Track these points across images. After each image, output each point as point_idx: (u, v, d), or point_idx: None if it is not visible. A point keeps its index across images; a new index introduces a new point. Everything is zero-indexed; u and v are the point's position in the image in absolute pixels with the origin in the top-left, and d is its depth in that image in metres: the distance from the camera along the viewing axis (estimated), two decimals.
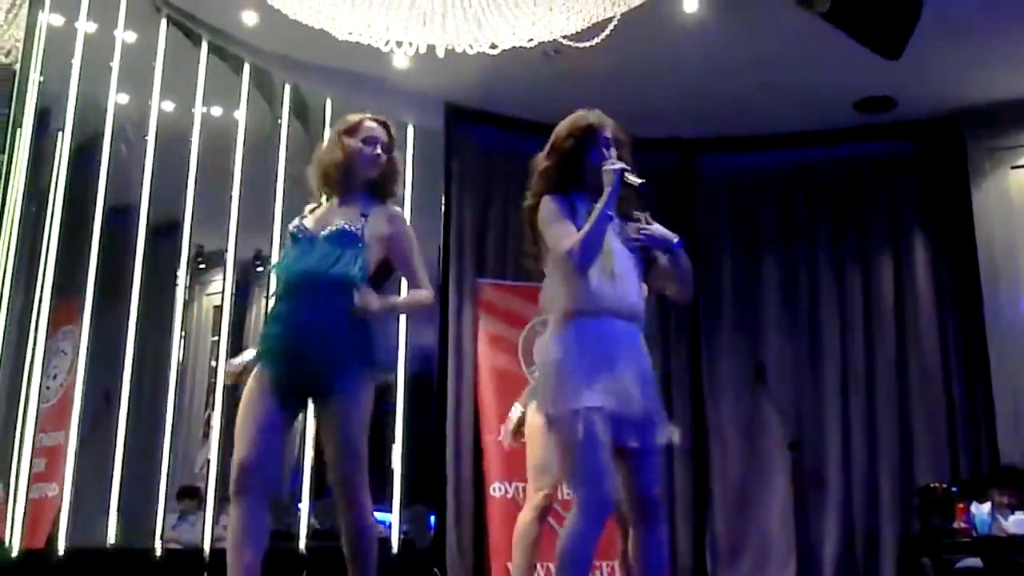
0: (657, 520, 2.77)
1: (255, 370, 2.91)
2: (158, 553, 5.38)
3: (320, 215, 3.04)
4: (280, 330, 2.91)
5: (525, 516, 4.17)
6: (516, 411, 4.42)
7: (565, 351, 2.71)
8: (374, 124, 3.09)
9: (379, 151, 3.04)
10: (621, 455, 2.67)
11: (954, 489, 5.89)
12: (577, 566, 2.59)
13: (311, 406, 2.99)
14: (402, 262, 3.04)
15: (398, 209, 3.12)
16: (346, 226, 2.93)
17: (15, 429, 4.91)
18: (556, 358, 2.72)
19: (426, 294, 3.04)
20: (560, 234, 2.74)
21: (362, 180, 3.05)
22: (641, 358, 2.78)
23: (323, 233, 2.95)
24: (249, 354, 3.02)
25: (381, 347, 2.95)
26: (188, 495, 6.36)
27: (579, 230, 2.72)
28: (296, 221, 3.06)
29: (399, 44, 4.72)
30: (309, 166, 3.13)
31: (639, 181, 2.75)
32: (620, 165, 2.76)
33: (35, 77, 5.25)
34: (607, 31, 4.93)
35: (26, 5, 5.31)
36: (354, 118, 3.12)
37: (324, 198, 3.11)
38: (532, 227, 2.87)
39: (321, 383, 2.84)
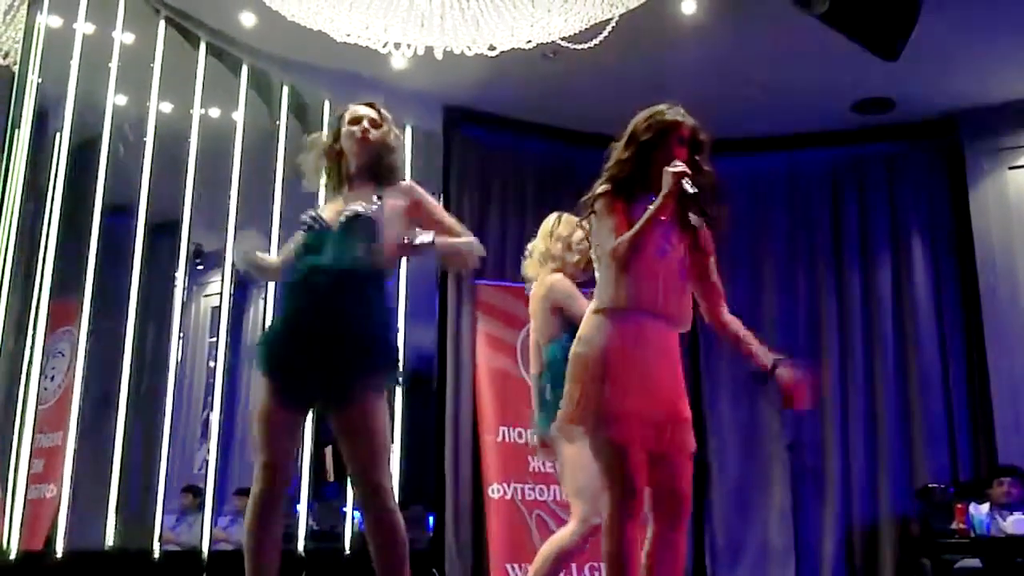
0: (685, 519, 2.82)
1: (264, 375, 2.78)
2: (156, 554, 5.38)
3: (337, 206, 2.92)
4: (292, 330, 2.78)
5: (573, 540, 3.60)
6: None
7: (601, 347, 2.69)
8: (359, 106, 3.04)
9: (365, 126, 2.97)
10: (650, 455, 2.70)
11: (952, 490, 5.90)
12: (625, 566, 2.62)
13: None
14: (437, 223, 2.95)
15: (409, 182, 3.06)
16: (360, 209, 2.84)
17: (13, 430, 4.92)
18: (591, 354, 2.69)
19: (472, 239, 2.96)
20: (610, 229, 2.72)
21: (360, 164, 2.97)
22: (675, 361, 2.81)
23: (340, 219, 2.85)
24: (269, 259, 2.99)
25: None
26: (193, 492, 6.37)
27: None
28: (311, 211, 2.94)
29: (397, 46, 4.72)
30: (304, 159, 3.08)
31: (692, 190, 2.66)
32: (681, 168, 2.68)
33: (33, 78, 5.26)
34: (605, 33, 4.93)
35: (24, 6, 5.32)
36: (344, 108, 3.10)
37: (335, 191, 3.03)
38: (594, 216, 2.80)
39: (341, 389, 2.72)
